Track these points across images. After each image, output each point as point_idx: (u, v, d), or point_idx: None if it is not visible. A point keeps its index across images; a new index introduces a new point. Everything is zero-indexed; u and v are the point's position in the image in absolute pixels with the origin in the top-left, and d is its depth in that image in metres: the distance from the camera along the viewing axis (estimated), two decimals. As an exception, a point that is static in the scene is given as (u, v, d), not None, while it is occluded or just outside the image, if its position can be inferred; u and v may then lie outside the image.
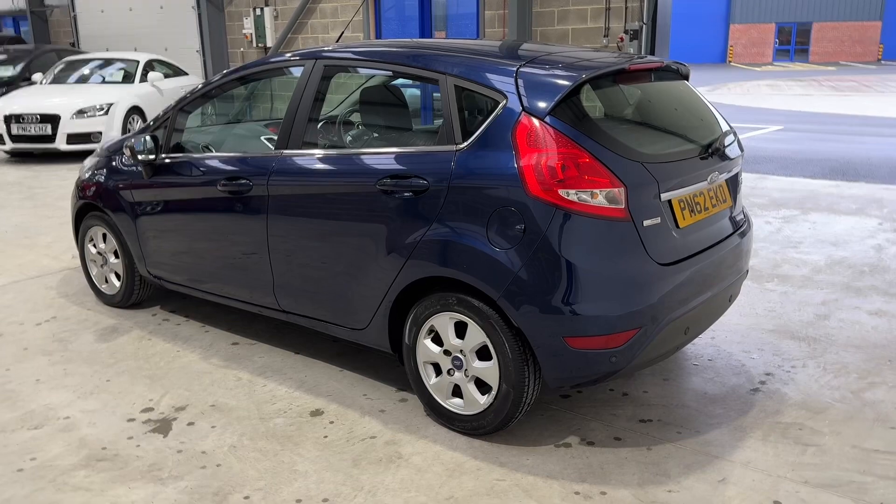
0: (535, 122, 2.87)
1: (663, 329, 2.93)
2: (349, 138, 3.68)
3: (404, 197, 3.13)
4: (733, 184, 3.49)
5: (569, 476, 2.86)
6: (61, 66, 12.51)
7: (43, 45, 16.42)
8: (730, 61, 42.19)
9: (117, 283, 4.70)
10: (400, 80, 3.72)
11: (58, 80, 12.17)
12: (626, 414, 3.32)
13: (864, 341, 4.06)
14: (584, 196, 2.79)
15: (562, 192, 2.79)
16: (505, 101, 2.96)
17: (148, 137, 4.12)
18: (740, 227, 3.50)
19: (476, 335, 3.03)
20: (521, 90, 2.96)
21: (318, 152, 3.51)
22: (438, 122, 3.24)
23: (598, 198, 2.80)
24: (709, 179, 3.19)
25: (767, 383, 3.59)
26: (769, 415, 3.29)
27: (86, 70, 12.44)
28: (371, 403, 3.44)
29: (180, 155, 4.11)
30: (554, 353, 2.87)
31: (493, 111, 2.98)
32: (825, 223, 6.60)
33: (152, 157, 4.11)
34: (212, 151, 4.15)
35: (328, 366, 3.84)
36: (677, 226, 3.02)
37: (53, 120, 10.51)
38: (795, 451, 3.01)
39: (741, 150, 3.63)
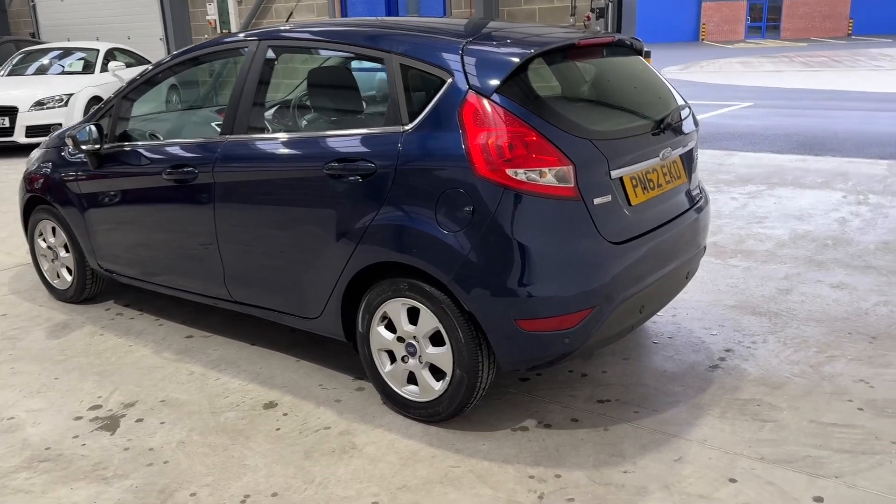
0: (482, 100, 2.79)
1: (617, 308, 2.88)
2: (295, 122, 3.58)
3: (352, 181, 3.05)
4: (688, 160, 3.44)
5: (524, 460, 2.81)
6: (19, 57, 12.22)
7: (1, 36, 16.05)
8: (703, 39, 42.27)
9: (69, 278, 4.58)
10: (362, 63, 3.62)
11: (15, 71, 11.90)
12: (584, 395, 3.27)
13: (824, 315, 4.05)
14: (532, 175, 2.73)
15: (510, 171, 2.72)
16: (451, 80, 2.88)
17: (92, 127, 4.00)
18: (696, 203, 3.46)
19: (428, 321, 2.96)
20: (467, 68, 2.88)
21: (264, 137, 3.42)
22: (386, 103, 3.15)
23: (547, 177, 2.74)
24: (661, 156, 3.13)
25: (727, 360, 3.56)
26: (727, 391, 3.26)
27: (45, 60, 12.18)
28: (327, 393, 3.37)
29: (126, 144, 3.99)
30: (506, 336, 2.81)
31: (440, 90, 2.90)
32: (790, 197, 6.60)
33: (96, 146, 3.99)
34: (158, 139, 4.04)
35: (284, 356, 3.76)
36: (629, 203, 2.97)
37: (11, 112, 10.27)
38: (753, 427, 2.98)
39: (696, 125, 3.59)
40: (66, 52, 12.36)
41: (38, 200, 4.57)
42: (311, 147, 3.22)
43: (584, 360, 3.59)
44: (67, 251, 4.53)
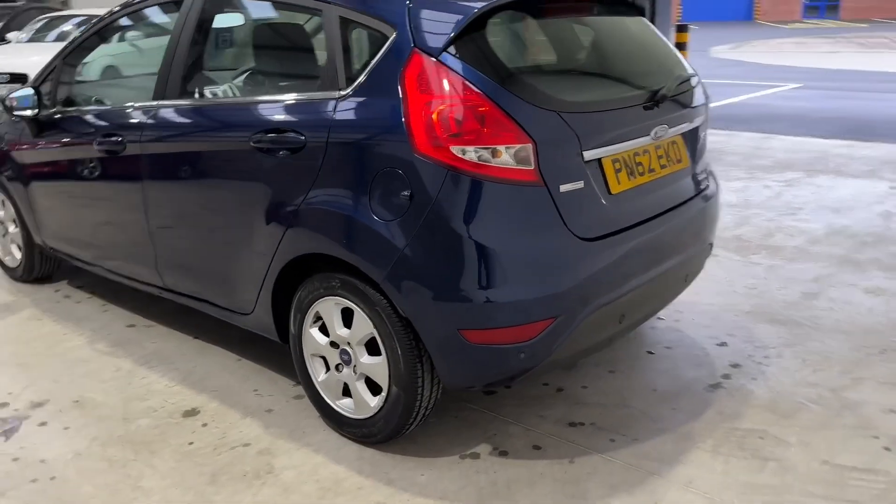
0: (428, 60, 2.29)
1: (587, 317, 2.37)
2: (227, 87, 3.13)
3: (281, 157, 2.58)
4: (692, 139, 2.89)
5: (466, 497, 2.33)
6: (41, 24, 11.99)
7: (30, 3, 15.90)
8: (756, 18, 40.64)
9: (19, 256, 4.21)
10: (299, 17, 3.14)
11: (36, 38, 11.66)
12: (555, 415, 2.77)
13: (854, 326, 3.47)
14: (483, 155, 2.22)
15: (456, 149, 2.22)
16: (394, 35, 2.38)
17: (30, 91, 3.60)
18: (701, 191, 2.91)
19: (362, 325, 2.49)
20: (414, 21, 2.37)
21: (192, 104, 2.96)
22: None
23: (502, 156, 2.23)
24: (653, 134, 2.59)
25: (732, 378, 3.02)
26: (726, 418, 2.73)
27: (67, 27, 11.91)
28: (259, 401, 2.93)
29: (64, 110, 3.58)
30: (448, 348, 2.32)
31: (381, 48, 2.40)
32: (831, 187, 5.94)
33: (30, 112, 3.59)
34: (103, 104, 3.62)
35: (226, 354, 3.33)
36: (608, 191, 2.44)
37: (22, 79, 10.01)
38: (751, 467, 2.45)
39: (706, 98, 3.03)
40: (89, 19, 12.09)
41: None
42: (238, 116, 2.75)
43: (562, 370, 3.09)
44: (17, 226, 4.16)
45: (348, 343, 2.55)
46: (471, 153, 2.22)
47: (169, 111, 2.99)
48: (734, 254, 4.44)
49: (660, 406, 2.82)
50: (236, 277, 2.86)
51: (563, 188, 2.30)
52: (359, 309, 2.47)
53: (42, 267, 4.19)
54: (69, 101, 3.64)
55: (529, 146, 2.23)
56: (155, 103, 3.04)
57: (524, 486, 2.38)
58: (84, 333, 3.58)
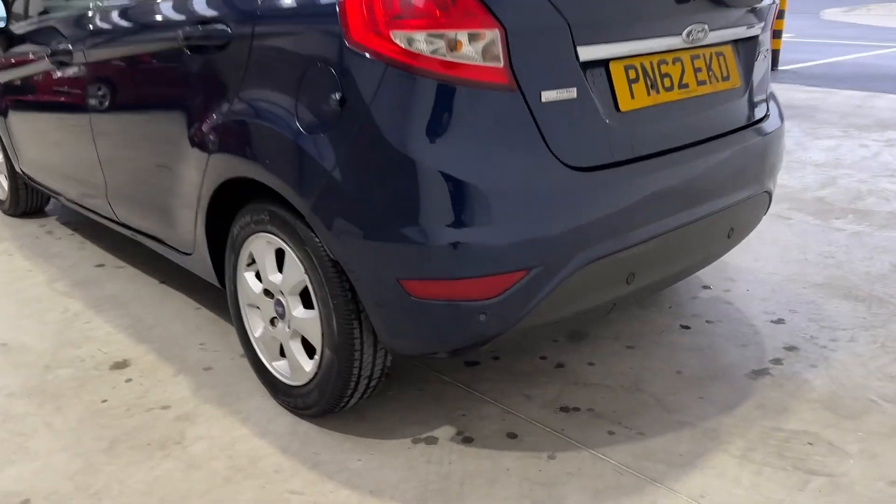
0: (372, -79, 1.73)
1: (576, 273, 1.79)
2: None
3: (207, 57, 2.09)
4: (747, 52, 2.23)
5: (402, 493, 1.82)
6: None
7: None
8: (877, -18, 37.48)
9: (6, 187, 3.91)
10: None
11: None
12: (546, 396, 2.21)
13: (956, 308, 2.74)
14: (436, 45, 1.66)
15: (399, 36, 1.66)
16: None
17: (-2, 0, 3.24)
18: (756, 123, 2.26)
19: (294, 269, 1.99)
20: None
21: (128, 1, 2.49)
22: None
23: (462, 49, 1.66)
24: (685, 35, 1.96)
25: (784, 363, 2.37)
26: (767, 414, 2.11)
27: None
28: (201, 357, 2.48)
29: (35, 20, 3.20)
30: (385, 303, 1.80)
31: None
32: (943, 148, 5.03)
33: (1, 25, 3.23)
34: (57, 13, 3.21)
35: (186, 301, 2.91)
36: (616, 107, 1.84)
37: None
38: (790, 481, 1.83)
39: (774, 2, 2.35)
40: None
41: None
42: (171, 8, 2.26)
43: (568, 341, 2.51)
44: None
45: (281, 292, 2.06)
46: (420, 42, 1.65)
47: (114, 10, 2.54)
48: (812, 217, 3.70)
49: (683, 393, 2.22)
50: (174, 210, 2.41)
51: (546, 97, 1.72)
52: (289, 249, 1.97)
53: (29, 201, 3.88)
54: (40, 11, 3.25)
55: (496, 33, 1.65)
56: (95, 4, 2.60)
57: (482, 484, 1.85)
58: (49, 271, 3.23)
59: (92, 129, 2.71)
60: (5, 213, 4.00)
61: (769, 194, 2.41)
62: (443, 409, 2.16)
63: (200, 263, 2.41)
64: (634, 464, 1.91)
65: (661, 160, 1.94)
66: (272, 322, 2.14)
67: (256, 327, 2.22)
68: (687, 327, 2.62)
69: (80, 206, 3.17)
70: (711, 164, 2.07)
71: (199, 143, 2.14)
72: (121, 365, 2.44)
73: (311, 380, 2.03)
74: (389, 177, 1.69)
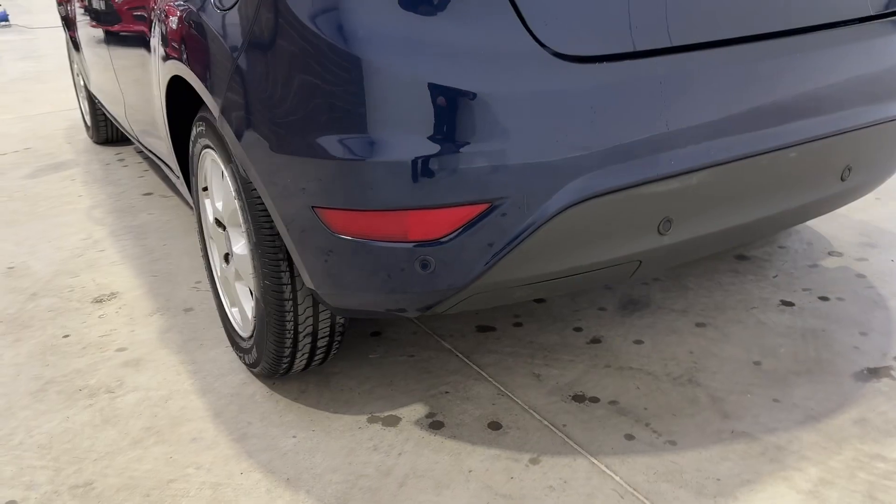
0: None
1: (566, 211, 1.26)
2: None
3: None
4: None
5: (323, 487, 1.40)
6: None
7: None
8: None
9: (89, 116, 3.85)
10: None
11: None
12: (563, 378, 1.69)
13: None
14: None
15: None
16: None
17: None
18: (880, 14, 1.57)
19: (228, 193, 1.61)
20: None
21: None
22: None
23: None
24: None
25: (916, 364, 1.69)
26: (868, 434, 1.46)
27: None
28: (188, 297, 2.18)
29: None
30: (304, 240, 1.36)
31: None
32: None
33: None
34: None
35: (208, 234, 2.62)
36: None
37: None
38: (877, 544, 1.22)
39: None
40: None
41: (68, 26, 3.86)
42: None
43: (617, 308, 1.95)
44: (90, 81, 3.78)
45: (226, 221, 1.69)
46: None
47: None
48: None
49: (754, 392, 1.61)
50: (157, 128, 2.10)
51: (520, -50, 1.18)
52: (222, 166, 1.58)
53: (109, 130, 3.79)
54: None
55: None
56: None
57: (427, 488, 1.38)
58: (97, 197, 3.09)
59: (110, 56, 2.49)
60: (91, 139, 3.95)
61: (911, 123, 1.69)
62: (424, 382, 1.71)
63: (183, 187, 2.10)
64: (646, 485, 1.36)
65: (718, 53, 1.33)
66: (226, 258, 1.77)
67: (216, 264, 1.87)
68: (790, 304, 1.96)
69: (123, 128, 2.98)
70: (808, 65, 1.43)
71: (154, 51, 1.80)
72: (105, 298, 2.19)
73: (252, 332, 1.65)
74: (296, 67, 1.24)
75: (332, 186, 1.25)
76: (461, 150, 1.20)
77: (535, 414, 1.58)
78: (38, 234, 2.72)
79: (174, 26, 1.60)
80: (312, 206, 1.29)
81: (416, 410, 1.61)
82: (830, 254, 2.22)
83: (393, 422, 1.58)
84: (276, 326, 1.52)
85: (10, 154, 3.80)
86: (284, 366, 1.61)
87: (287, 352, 1.57)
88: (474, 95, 1.19)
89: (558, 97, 1.22)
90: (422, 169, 1.20)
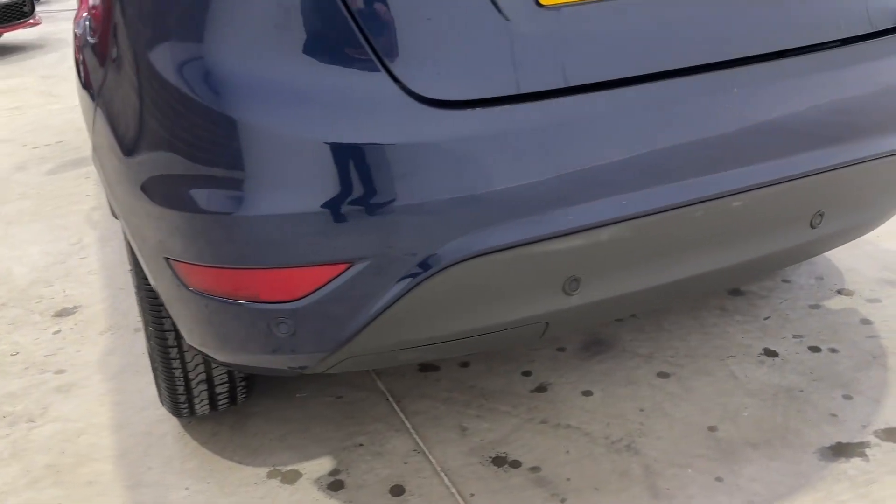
0: None
1: (442, 272, 1.11)
2: None
3: None
4: None
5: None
6: None
7: None
8: None
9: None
10: None
11: None
12: (490, 434, 1.53)
13: None
14: None
15: None
16: None
17: None
18: (870, 35, 1.33)
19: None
20: None
21: None
22: None
23: None
24: None
25: (885, 446, 1.45)
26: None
27: None
28: (147, 312, 2.13)
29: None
30: (164, 291, 1.26)
31: None
32: None
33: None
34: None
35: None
36: (536, 1, 1.08)
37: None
38: None
39: None
40: None
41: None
42: None
43: (578, 349, 1.77)
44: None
45: (145, 252, 1.60)
46: None
47: None
48: None
49: (698, 467, 1.42)
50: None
51: (372, -23, 1.02)
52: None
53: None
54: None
55: None
56: None
57: (302, 563, 1.27)
58: (102, 198, 3.08)
59: None
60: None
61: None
62: (343, 430, 1.59)
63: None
64: (536, 580, 1.20)
65: (630, 91, 1.14)
66: (148, 289, 1.69)
67: (150, 292, 1.80)
68: (773, 354, 1.73)
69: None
70: (756, 100, 1.22)
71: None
72: (67, 312, 2.17)
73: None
74: (136, 116, 1.13)
75: (180, 239, 1.14)
76: (312, 205, 1.06)
77: (444, 478, 1.43)
78: (33, 236, 2.73)
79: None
80: (166, 258, 1.19)
81: (322, 465, 1.49)
82: (840, 292, 1.96)
83: (292, 478, 1.47)
84: (165, 374, 1.44)
85: (42, 147, 3.87)
86: (185, 409, 1.53)
87: (182, 398, 1.48)
88: (324, 145, 1.05)
89: (424, 147, 1.06)
90: (269, 225, 1.08)
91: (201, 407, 1.52)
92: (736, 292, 1.99)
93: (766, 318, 1.87)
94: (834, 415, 1.53)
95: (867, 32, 1.32)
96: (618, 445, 1.48)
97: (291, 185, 1.06)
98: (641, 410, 1.58)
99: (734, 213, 1.26)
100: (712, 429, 1.51)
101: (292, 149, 1.05)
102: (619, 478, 1.41)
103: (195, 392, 1.47)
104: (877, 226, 1.64)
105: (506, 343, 1.31)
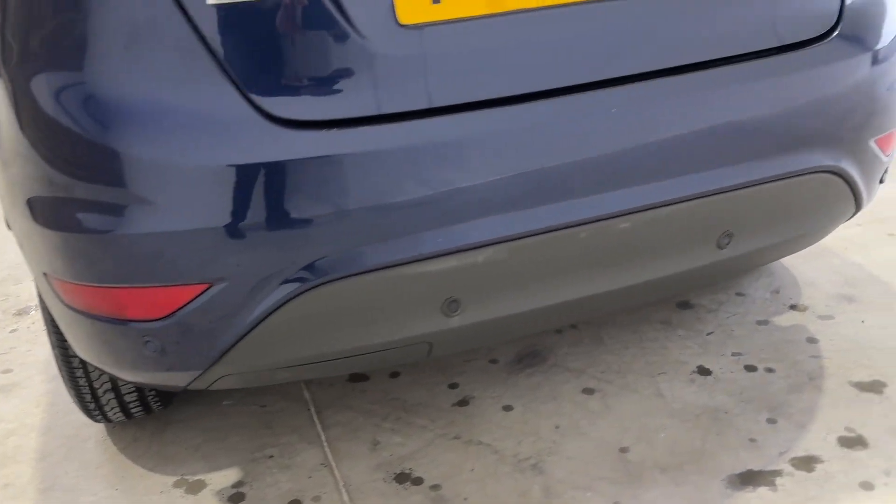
0: None
1: (307, 294, 1.10)
2: None
3: None
4: None
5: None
6: None
7: None
8: None
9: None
10: None
11: None
12: (399, 450, 1.52)
13: None
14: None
15: None
16: None
17: None
18: (797, 45, 1.27)
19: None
20: None
21: None
22: None
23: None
24: None
25: (795, 476, 1.39)
26: None
27: None
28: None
29: None
30: (52, 305, 1.27)
31: None
32: None
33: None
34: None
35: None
36: (395, 17, 1.06)
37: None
38: None
39: None
40: None
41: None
42: None
43: (512, 361, 1.74)
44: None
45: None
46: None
47: None
48: None
49: (597, 489, 1.38)
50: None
51: (216, -1, 1.01)
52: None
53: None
54: None
55: None
56: None
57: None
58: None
59: None
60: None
61: (843, 175, 1.37)
62: (258, 440, 1.59)
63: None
64: None
65: (498, 113, 1.11)
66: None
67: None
68: (706, 372, 1.68)
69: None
70: (643, 117, 1.18)
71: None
72: (28, 310, 2.22)
73: (73, 378, 1.60)
74: (14, 127, 1.14)
75: (54, 256, 1.15)
76: (168, 225, 1.06)
77: (344, 494, 1.43)
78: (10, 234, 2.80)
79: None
80: (45, 274, 1.20)
81: (228, 476, 1.50)
82: (793, 307, 1.89)
83: (197, 488, 1.48)
84: (71, 382, 1.46)
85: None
86: (97, 415, 1.55)
87: (91, 405, 1.50)
88: (179, 167, 1.05)
89: (277, 168, 1.05)
90: (131, 245, 1.08)
91: (114, 414, 1.54)
92: (685, 305, 1.94)
93: (709, 334, 1.81)
94: (753, 440, 1.47)
95: (772, 47, 1.26)
96: (524, 464, 1.46)
97: (148, 206, 1.06)
98: (557, 428, 1.55)
99: (623, 234, 1.22)
100: (624, 450, 1.47)
101: (146, 171, 1.05)
102: (517, 498, 1.38)
103: (103, 400, 1.49)
104: (811, 243, 1.58)
105: (392, 361, 1.30)
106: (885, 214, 2.30)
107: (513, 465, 1.46)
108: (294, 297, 1.10)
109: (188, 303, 1.11)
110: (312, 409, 1.67)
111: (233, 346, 1.14)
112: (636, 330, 1.85)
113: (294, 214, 1.06)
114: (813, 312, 1.86)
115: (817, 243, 2.12)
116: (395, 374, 1.76)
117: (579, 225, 1.18)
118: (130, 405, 1.53)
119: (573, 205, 1.17)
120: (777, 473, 1.39)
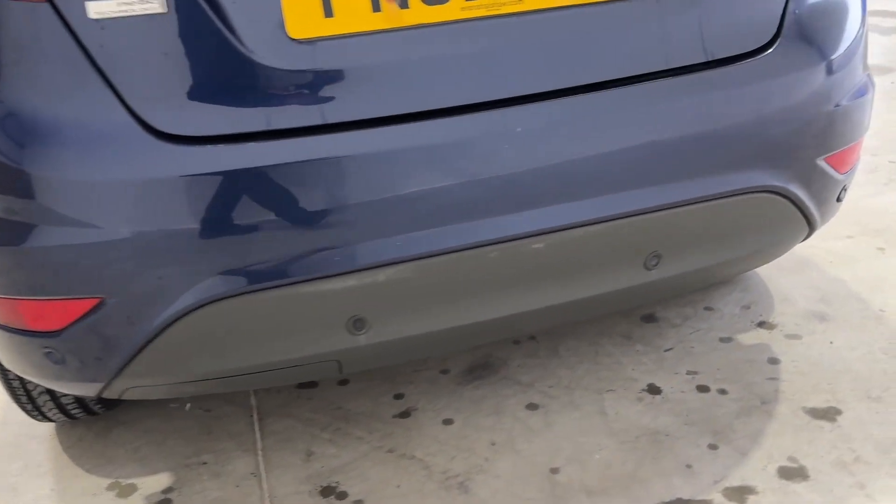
0: None
1: (200, 310, 1.09)
2: None
3: None
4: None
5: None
6: None
7: None
8: None
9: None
10: None
11: None
12: (332, 462, 1.51)
13: None
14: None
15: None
16: None
17: None
18: (723, 61, 1.22)
19: None
20: None
21: None
22: None
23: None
24: None
25: None
26: None
27: None
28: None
29: None
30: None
31: None
32: None
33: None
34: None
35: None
36: (283, 30, 1.04)
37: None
38: None
39: None
40: None
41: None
42: None
43: (462, 373, 1.71)
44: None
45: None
46: None
47: None
48: None
49: (511, 513, 1.35)
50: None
51: (98, 9, 1.00)
52: None
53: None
54: None
55: None
56: None
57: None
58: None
59: None
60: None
61: (787, 195, 1.31)
62: (195, 445, 1.60)
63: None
64: None
65: (398, 130, 1.08)
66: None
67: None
68: (656, 391, 1.63)
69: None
70: (547, 140, 1.14)
71: None
72: (7, 305, 2.26)
73: (25, 376, 1.62)
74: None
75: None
76: (56, 239, 1.06)
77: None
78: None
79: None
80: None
81: (159, 482, 1.51)
82: (761, 325, 1.82)
83: (128, 492, 1.49)
84: (5, 383, 1.48)
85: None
86: (36, 415, 1.57)
87: (28, 406, 1.52)
88: (66, 181, 1.04)
89: (161, 183, 1.04)
90: (21, 258, 1.09)
91: (54, 415, 1.56)
92: (649, 318, 1.88)
93: (667, 350, 1.76)
94: (690, 466, 1.42)
95: (704, 61, 1.20)
96: (451, 482, 1.43)
97: (37, 219, 1.06)
98: (493, 444, 1.52)
99: (536, 254, 1.18)
100: (554, 470, 1.44)
101: (34, 184, 1.05)
102: (437, 518, 1.36)
103: (39, 402, 1.51)
104: (760, 264, 1.52)
105: (303, 377, 1.29)
106: (879, 226, 2.20)
107: (440, 483, 1.44)
108: (187, 313, 1.09)
109: (82, 317, 1.10)
110: (255, 416, 1.67)
111: (131, 359, 1.14)
112: (594, 342, 1.80)
113: (180, 231, 1.05)
114: (780, 331, 1.79)
115: (801, 256, 2.05)
116: (343, 382, 1.75)
117: (488, 245, 1.14)
118: (69, 406, 1.55)
119: (481, 224, 1.13)
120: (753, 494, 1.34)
